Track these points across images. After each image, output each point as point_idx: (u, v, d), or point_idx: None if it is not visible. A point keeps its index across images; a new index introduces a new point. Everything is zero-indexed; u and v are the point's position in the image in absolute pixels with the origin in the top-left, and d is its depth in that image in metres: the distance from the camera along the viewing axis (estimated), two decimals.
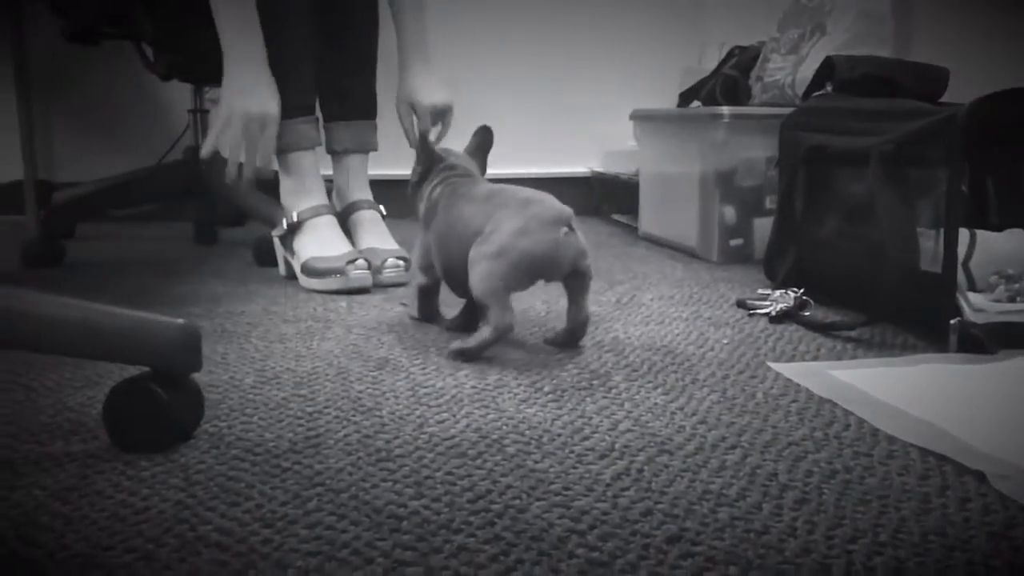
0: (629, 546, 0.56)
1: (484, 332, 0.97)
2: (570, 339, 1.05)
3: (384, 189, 1.70)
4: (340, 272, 1.36)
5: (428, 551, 0.55)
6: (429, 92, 1.53)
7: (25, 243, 1.64)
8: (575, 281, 1.01)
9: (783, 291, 1.23)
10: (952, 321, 1.01)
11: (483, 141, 1.20)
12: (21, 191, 1.95)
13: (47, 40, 1.89)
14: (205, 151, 1.37)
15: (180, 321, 0.71)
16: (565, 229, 0.97)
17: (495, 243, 0.96)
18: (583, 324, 1.04)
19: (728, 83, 1.82)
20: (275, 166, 1.45)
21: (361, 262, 1.37)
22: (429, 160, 1.15)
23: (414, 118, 1.54)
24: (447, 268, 1.06)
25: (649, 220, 1.98)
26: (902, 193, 1.09)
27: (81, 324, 0.67)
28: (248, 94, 1.32)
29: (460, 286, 1.04)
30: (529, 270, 0.97)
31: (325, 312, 1.24)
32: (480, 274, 0.96)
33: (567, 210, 0.98)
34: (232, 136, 1.32)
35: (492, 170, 1.26)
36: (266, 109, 1.33)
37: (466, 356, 0.99)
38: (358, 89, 1.58)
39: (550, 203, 0.99)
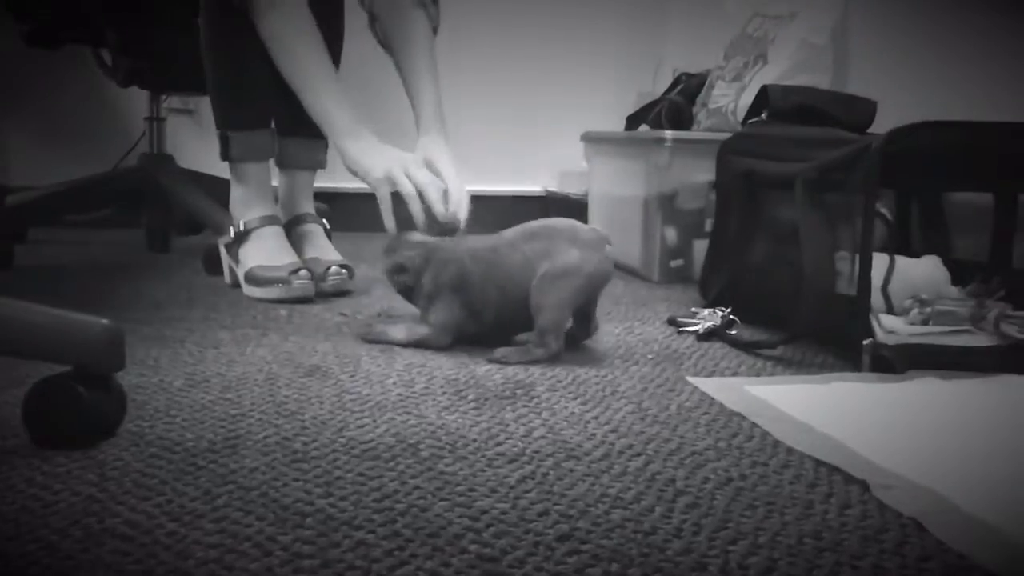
0: (520, 543, 0.59)
1: (537, 352, 1.05)
2: (576, 339, 1.15)
3: (328, 201, 1.79)
4: (283, 281, 1.37)
5: (327, 545, 0.58)
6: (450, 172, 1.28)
7: None
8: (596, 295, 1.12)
9: (712, 310, 1.27)
10: (865, 342, 1.05)
11: None
12: None
13: (2, 42, 1.90)
14: (389, 225, 1.22)
15: (103, 321, 0.73)
16: (607, 249, 1.07)
17: (565, 274, 1.04)
18: (594, 331, 1.15)
19: (673, 108, 1.87)
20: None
21: (304, 272, 1.39)
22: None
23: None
24: (506, 314, 1.08)
25: None
26: (823, 218, 1.14)
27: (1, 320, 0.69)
28: (379, 155, 1.24)
29: (516, 324, 1.10)
30: (589, 290, 1.07)
31: (264, 320, 1.26)
32: (552, 302, 1.04)
33: (606, 233, 1.08)
34: (406, 187, 1.20)
35: None
36: (400, 156, 1.24)
37: (509, 363, 1.05)
38: None
39: (591, 229, 1.08)
